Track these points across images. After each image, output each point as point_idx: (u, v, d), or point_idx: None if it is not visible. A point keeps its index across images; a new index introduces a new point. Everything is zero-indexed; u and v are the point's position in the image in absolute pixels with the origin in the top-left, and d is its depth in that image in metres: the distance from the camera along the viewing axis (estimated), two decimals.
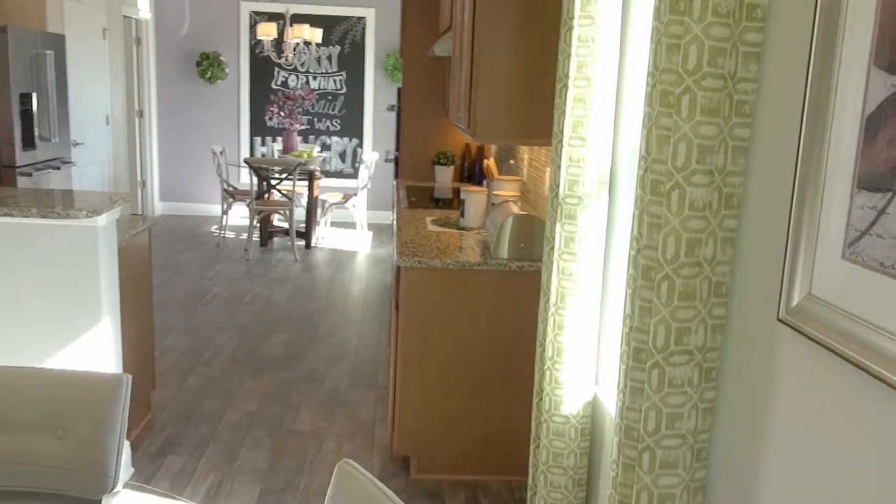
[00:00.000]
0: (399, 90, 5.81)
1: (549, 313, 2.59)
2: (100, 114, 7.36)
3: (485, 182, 4.28)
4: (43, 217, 2.70)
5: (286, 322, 5.44)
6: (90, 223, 2.87)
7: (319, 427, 3.81)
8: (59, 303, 2.91)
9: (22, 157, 5.55)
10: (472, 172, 5.56)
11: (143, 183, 8.99)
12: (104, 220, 2.93)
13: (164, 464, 3.36)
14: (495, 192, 3.86)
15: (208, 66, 8.85)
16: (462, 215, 3.94)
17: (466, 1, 3.22)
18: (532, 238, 3.22)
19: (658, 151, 1.63)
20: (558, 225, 2.53)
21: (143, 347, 3.65)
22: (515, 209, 3.37)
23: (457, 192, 5.28)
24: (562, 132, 2.51)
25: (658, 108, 1.62)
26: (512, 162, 4.51)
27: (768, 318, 1.49)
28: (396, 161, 5.84)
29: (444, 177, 5.59)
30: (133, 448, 3.43)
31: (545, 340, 2.63)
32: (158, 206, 9.24)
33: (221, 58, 8.90)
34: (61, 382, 1.80)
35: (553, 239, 2.56)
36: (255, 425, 3.78)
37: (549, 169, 3.58)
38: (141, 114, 8.81)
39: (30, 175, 5.60)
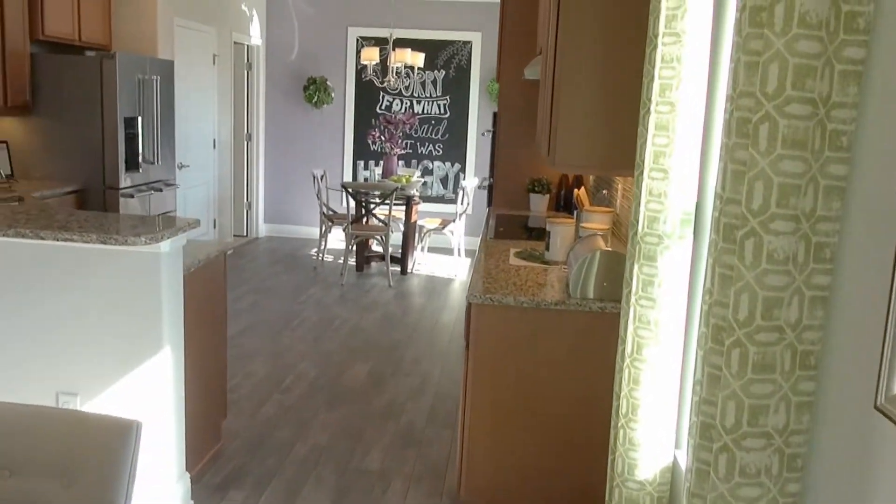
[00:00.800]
0: (495, 115, 5.63)
1: (625, 364, 2.31)
2: (206, 137, 7.55)
3: (575, 213, 4.03)
4: (102, 243, 2.66)
5: (371, 351, 5.32)
6: (152, 249, 2.82)
7: (389, 466, 3.63)
8: (119, 331, 2.86)
9: (125, 179, 5.70)
10: (569, 201, 5.29)
11: (249, 205, 9.18)
12: (167, 247, 2.87)
13: (226, 497, 3.26)
14: (583, 225, 3.60)
15: (315, 90, 8.97)
16: (547, 248, 3.69)
17: (551, 22, 3.01)
18: (617, 277, 2.94)
19: (732, 190, 1.36)
20: (636, 266, 2.26)
21: (214, 375, 3.58)
22: (601, 244, 3.10)
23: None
24: (643, 162, 2.25)
25: (734, 139, 1.36)
26: (605, 192, 4.23)
27: (865, 402, 1.19)
28: (490, 188, 5.65)
29: (539, 205, 5.35)
30: (196, 480, 3.35)
31: (620, 394, 2.36)
32: (263, 228, 9.41)
33: (328, 82, 9.01)
34: (72, 425, 1.69)
35: (631, 281, 2.29)
36: (322, 461, 3.64)
37: None
38: (249, 137, 9.02)
39: (132, 196, 5.75)
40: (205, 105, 7.47)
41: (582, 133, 2.80)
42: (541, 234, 4.57)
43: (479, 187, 6.26)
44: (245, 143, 9.01)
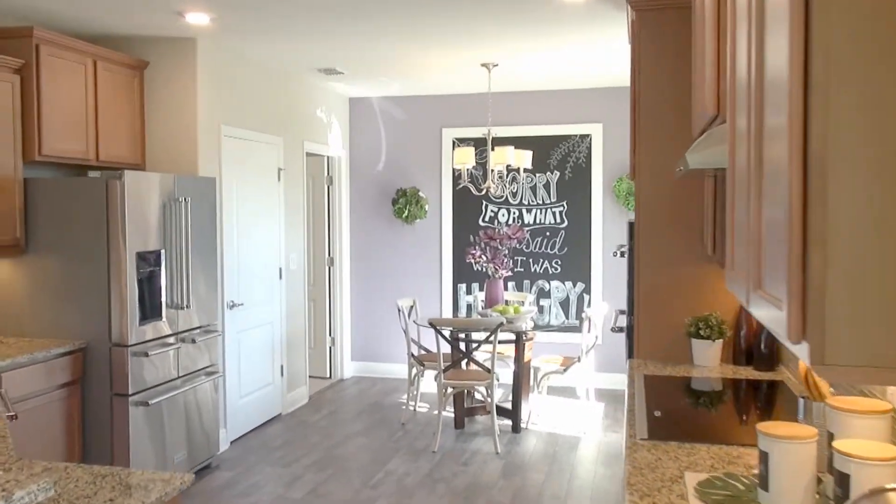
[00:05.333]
0: (630, 225, 3.97)
1: None
2: (269, 267, 6.20)
3: (801, 403, 2.22)
4: None
5: None
6: None
7: None
8: None
9: (137, 333, 4.33)
10: (754, 351, 3.47)
11: (333, 341, 7.73)
12: None
13: None
14: (840, 448, 1.80)
15: (405, 203, 7.58)
16: (763, 484, 1.91)
17: (754, 54, 1.36)
18: None
19: None
20: None
21: None
22: None
23: (731, 385, 3.22)
24: None
25: None
26: None
27: None
28: (629, 330, 3.92)
29: (707, 357, 3.55)
30: None
31: None
32: (349, 368, 7.90)
33: (420, 193, 7.61)
34: None
35: None
36: None
37: None
38: (332, 262, 7.67)
39: (146, 355, 4.36)
40: (267, 228, 6.16)
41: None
42: (713, 401, 2.79)
43: (612, 329, 4.52)
44: (326, 268, 7.66)
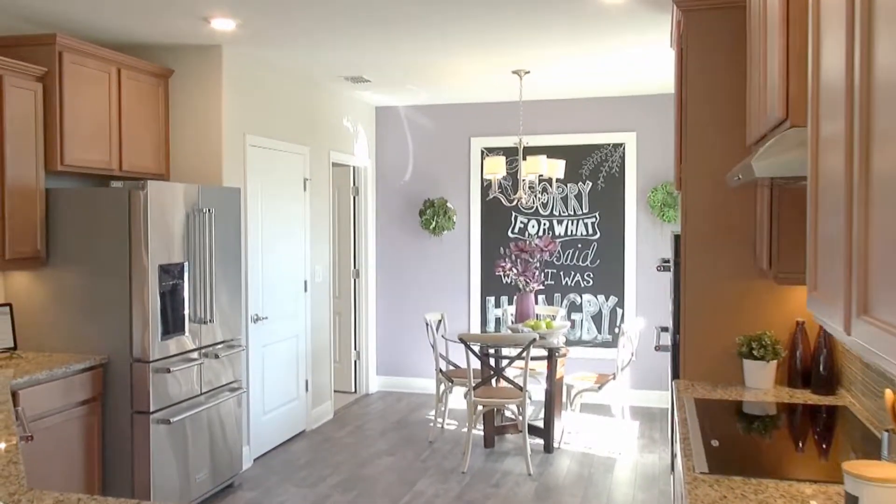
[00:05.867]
0: (676, 237, 3.76)
1: None
2: (295, 279, 6.05)
3: (885, 437, 2.00)
4: None
5: None
6: None
7: None
8: None
9: (160, 348, 4.19)
10: (811, 373, 3.25)
11: (358, 355, 7.57)
12: None
13: None
14: None
15: (433, 214, 7.41)
16: None
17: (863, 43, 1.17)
18: None
19: None
20: None
21: None
22: None
23: (789, 410, 3.00)
24: None
25: None
26: None
27: None
28: (675, 348, 3.71)
29: (761, 378, 3.33)
30: None
31: None
32: (375, 382, 7.72)
33: (448, 204, 7.43)
34: None
35: None
36: None
37: None
38: (357, 274, 7.51)
39: (167, 371, 4.21)
40: (292, 240, 6.01)
41: None
42: (767, 426, 2.58)
43: (656, 348, 4.31)
44: (352, 281, 7.51)
